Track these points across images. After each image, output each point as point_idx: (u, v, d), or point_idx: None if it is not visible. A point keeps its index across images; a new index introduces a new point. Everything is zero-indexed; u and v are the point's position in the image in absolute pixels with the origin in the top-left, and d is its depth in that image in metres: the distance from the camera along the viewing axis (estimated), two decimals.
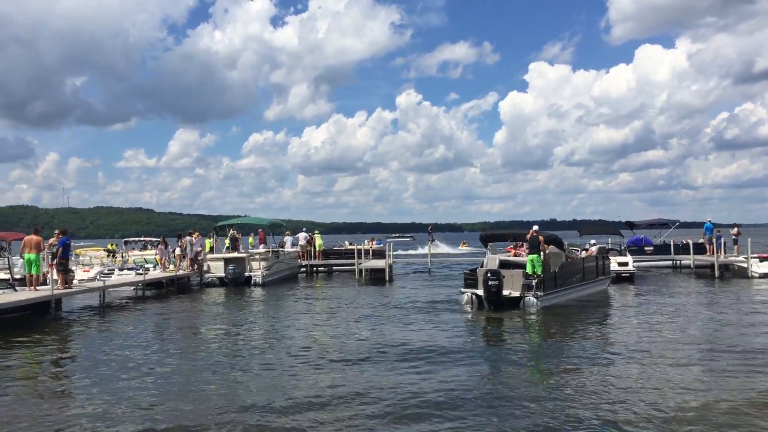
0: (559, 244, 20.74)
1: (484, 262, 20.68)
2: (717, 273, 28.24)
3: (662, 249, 33.34)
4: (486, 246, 21.67)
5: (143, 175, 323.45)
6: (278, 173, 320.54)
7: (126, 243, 37.87)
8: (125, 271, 26.55)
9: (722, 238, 30.77)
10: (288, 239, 34.81)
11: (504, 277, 18.73)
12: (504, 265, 19.77)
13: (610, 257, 25.25)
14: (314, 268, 34.54)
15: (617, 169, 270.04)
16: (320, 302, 21.32)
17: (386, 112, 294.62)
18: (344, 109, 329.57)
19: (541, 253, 18.99)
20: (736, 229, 32.00)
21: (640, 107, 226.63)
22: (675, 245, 33.08)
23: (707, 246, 31.37)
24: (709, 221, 32.30)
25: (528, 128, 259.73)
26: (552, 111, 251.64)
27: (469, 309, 18.51)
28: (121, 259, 31.50)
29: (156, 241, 35.75)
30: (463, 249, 67.45)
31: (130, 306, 20.87)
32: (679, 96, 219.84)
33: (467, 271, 19.93)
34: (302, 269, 34.01)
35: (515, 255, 21.13)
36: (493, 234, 22.38)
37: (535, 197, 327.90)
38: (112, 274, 26.11)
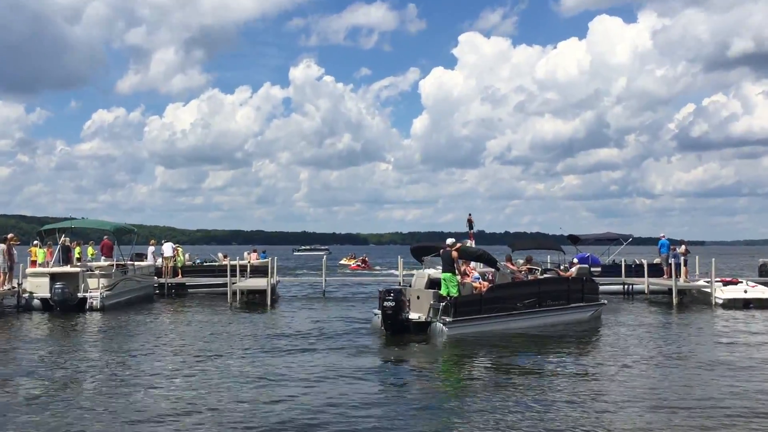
0: (487, 260, 21.54)
1: (413, 281, 21.87)
2: (675, 299, 29.55)
3: (611, 270, 34.51)
4: (420, 260, 22.99)
5: None
6: (130, 163, 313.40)
7: None
8: None
9: (682, 258, 32.24)
10: (150, 249, 34.43)
11: (419, 297, 20.16)
12: (436, 283, 20.68)
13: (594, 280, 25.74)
14: (174, 289, 34.19)
15: (562, 170, 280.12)
16: (178, 333, 21.05)
17: (277, 88, 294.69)
18: (222, 83, 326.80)
19: (457, 272, 20.25)
20: (683, 248, 33.54)
21: (593, 95, 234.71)
22: (627, 266, 34.38)
23: (664, 267, 32.88)
24: (664, 237, 33.93)
25: (455, 115, 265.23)
26: (486, 95, 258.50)
27: (381, 332, 20.03)
28: None
29: None
30: (350, 264, 68.13)
31: None
32: (640, 82, 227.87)
33: (383, 290, 20.74)
34: (159, 290, 33.66)
35: (464, 273, 22.01)
36: (425, 246, 23.14)
37: (461, 202, 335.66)
38: None
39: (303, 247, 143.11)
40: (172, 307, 29.03)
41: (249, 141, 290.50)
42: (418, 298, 20.25)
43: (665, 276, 32.52)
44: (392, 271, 50.52)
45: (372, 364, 15.82)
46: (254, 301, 30.64)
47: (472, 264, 23.19)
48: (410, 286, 21.80)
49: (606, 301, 25.36)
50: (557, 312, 22.41)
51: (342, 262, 72.53)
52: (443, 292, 19.82)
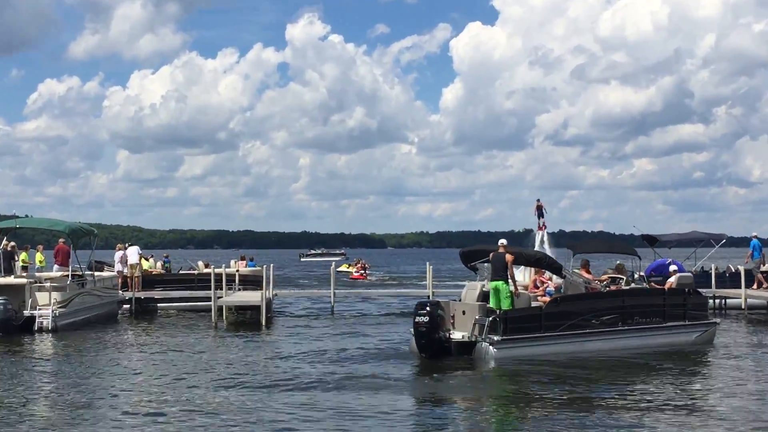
0: (549, 266, 21.90)
1: (463, 293, 22.30)
2: None
3: (699, 279, 33.74)
4: (473, 269, 23.11)
5: None
6: (86, 147, 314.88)
7: None
8: None
9: None
10: (118, 255, 34.78)
11: (464, 312, 20.49)
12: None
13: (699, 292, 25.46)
14: (143, 305, 34.28)
15: (632, 152, 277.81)
16: (149, 365, 20.77)
17: (270, 51, 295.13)
18: (201, 45, 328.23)
19: (510, 280, 20.49)
20: None
21: (673, 56, 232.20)
22: (718, 274, 33.92)
23: (757, 274, 32.84)
24: (756, 237, 33.99)
25: (497, 83, 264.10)
26: (535, 57, 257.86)
27: (416, 356, 20.30)
28: None
29: None
30: (352, 271, 68.06)
31: None
32: (732, 40, 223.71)
33: (418, 304, 21.03)
34: (125, 305, 33.74)
35: (535, 285, 22.91)
36: (477, 250, 23.28)
37: (503, 194, 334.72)
38: None
39: (312, 251, 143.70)
40: (140, 328, 29.21)
41: (235, 118, 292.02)
42: (464, 313, 20.48)
43: (765, 285, 32.42)
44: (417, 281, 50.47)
45: (394, 406, 15.44)
46: (245, 320, 30.76)
47: (548, 273, 23.23)
48: (459, 299, 22.05)
49: (719, 321, 25.14)
50: (649, 332, 22.27)
51: (341, 269, 72.44)
52: (492, 304, 20.13)
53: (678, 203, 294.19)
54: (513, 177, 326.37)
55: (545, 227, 42.32)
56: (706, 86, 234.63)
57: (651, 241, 36.99)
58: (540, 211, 42.69)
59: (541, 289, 22.20)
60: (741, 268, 33.42)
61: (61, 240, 32.08)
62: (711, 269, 34.19)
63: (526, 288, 23.36)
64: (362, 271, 67.15)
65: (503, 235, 23.28)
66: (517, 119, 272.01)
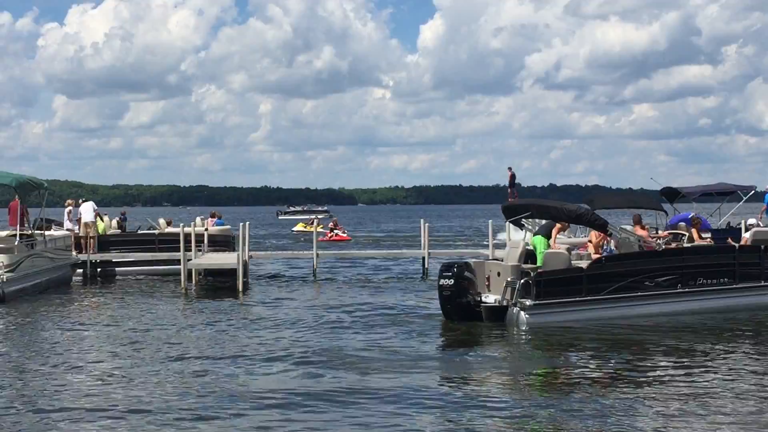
0: (591, 222, 21.82)
1: (505, 253, 22.63)
2: None
3: (726, 237, 33.56)
4: (515, 223, 23.75)
5: None
6: (18, 92, 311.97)
7: None
8: None
9: None
10: (67, 212, 34.82)
11: (499, 274, 20.49)
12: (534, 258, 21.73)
13: None
14: (99, 268, 34.09)
15: (632, 97, 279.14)
16: (110, 343, 19.71)
17: None
18: None
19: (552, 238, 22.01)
20: None
21: None
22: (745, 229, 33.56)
23: None
24: None
25: (481, 20, 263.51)
26: None
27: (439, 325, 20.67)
28: None
29: None
30: (310, 232, 67.10)
31: None
32: None
33: (446, 265, 21.40)
34: (79, 269, 33.54)
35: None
36: (522, 204, 23.74)
37: (488, 144, 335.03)
38: None
39: (292, 208, 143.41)
40: (100, 296, 29.00)
41: (188, 59, 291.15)
42: (498, 274, 20.53)
43: None
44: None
45: (404, 385, 14.70)
46: (218, 286, 30.77)
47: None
48: (501, 260, 22.17)
49: None
50: (715, 294, 21.89)
51: (297, 228, 71.09)
52: (539, 261, 20.98)
53: (682, 153, 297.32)
54: (499, 125, 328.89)
55: (517, 196, 42.95)
56: (715, 23, 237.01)
57: (671, 195, 36.67)
58: (512, 180, 43.53)
59: (595, 245, 22.72)
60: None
61: (17, 196, 31.46)
62: (740, 225, 33.91)
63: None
64: (334, 231, 66.05)
65: (486, 189, 23.41)
66: (504, 60, 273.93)
